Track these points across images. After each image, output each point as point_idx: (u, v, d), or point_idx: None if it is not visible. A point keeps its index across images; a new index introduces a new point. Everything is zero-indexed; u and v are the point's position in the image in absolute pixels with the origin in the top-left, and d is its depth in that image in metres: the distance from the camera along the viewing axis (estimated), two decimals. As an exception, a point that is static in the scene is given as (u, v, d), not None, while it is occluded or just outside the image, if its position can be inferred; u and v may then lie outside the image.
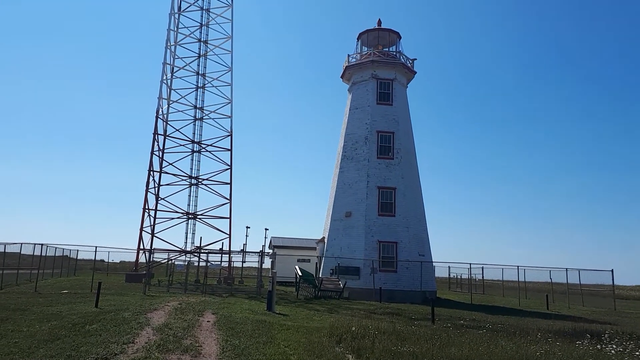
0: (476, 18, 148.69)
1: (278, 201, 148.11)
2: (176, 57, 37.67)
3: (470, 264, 33.39)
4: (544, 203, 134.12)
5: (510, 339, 11.53)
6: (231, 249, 35.55)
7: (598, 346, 10.96)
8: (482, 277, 39.30)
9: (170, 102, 36.93)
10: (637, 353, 10.20)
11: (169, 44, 37.26)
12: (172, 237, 75.99)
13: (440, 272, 39.98)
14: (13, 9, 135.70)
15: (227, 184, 38.38)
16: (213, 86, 39.51)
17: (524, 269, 32.32)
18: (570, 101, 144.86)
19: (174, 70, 37.42)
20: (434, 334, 12.00)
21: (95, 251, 27.76)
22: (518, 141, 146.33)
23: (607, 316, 23.01)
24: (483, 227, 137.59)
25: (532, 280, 35.20)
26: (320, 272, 29.28)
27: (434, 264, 30.31)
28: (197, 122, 38.81)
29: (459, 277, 44.99)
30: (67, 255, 37.88)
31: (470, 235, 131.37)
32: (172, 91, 37.11)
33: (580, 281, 30.97)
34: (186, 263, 34.92)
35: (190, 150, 38.32)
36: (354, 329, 11.92)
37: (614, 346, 10.92)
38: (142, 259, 34.96)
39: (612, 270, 29.47)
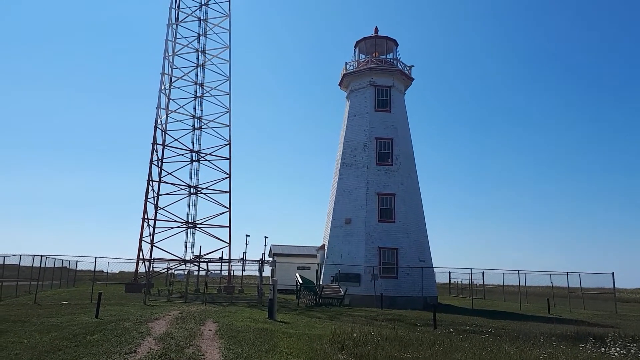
0: (473, 24, 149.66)
1: (277, 209, 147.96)
2: (174, 67, 37.84)
3: (470, 269, 33.42)
4: (544, 207, 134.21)
5: (513, 344, 11.50)
6: (231, 258, 35.46)
7: (602, 349, 10.93)
8: (483, 282, 39.28)
9: (169, 111, 37.01)
10: (641, 355, 10.18)
11: (167, 55, 37.42)
12: (172, 246, 75.78)
13: (441, 277, 39.87)
14: (14, 17, 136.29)
15: (226, 192, 38.39)
16: (211, 95, 39.65)
17: (524, 273, 32.33)
18: (570, 104, 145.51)
19: (173, 80, 37.57)
20: (436, 339, 11.96)
21: (95, 262, 27.67)
22: (517, 145, 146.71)
23: (608, 319, 22.96)
24: (483, 231, 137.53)
25: (532, 285, 35.13)
26: (321, 279, 29.20)
27: (434, 269, 30.25)
28: (195, 131, 38.90)
29: (459, 282, 44.96)
30: (66, 267, 37.69)
31: (471, 240, 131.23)
32: (170, 101, 37.21)
33: (581, 284, 30.94)
34: (186, 272, 34.82)
35: (189, 160, 38.36)
36: (356, 335, 11.88)
37: (618, 349, 10.90)
38: (142, 269, 34.87)
39: (612, 273, 29.49)
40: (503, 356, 9.57)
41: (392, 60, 32.51)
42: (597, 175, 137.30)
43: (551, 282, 32.28)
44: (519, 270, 31.80)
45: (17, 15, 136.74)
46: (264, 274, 26.16)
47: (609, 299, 30.29)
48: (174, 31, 38.16)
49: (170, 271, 35.60)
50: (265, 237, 40.02)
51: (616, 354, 10.37)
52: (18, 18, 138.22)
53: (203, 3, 39.88)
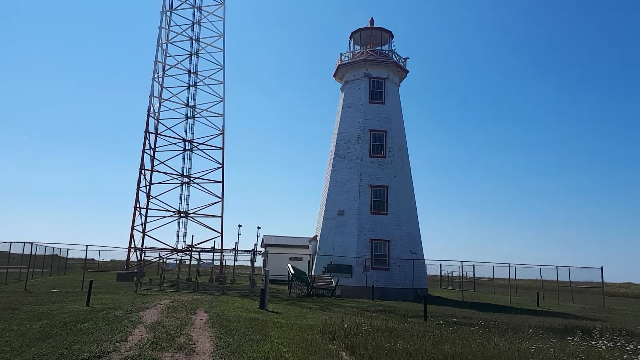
0: (468, 15, 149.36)
1: (270, 200, 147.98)
2: (168, 55, 37.48)
3: (461, 261, 33.59)
4: (535, 201, 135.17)
5: (503, 336, 11.61)
6: (223, 248, 35.45)
7: (590, 342, 11.07)
8: (473, 274, 39.56)
9: (162, 100, 36.72)
10: (627, 348, 10.32)
11: (160, 42, 37.03)
12: (164, 235, 75.73)
13: (432, 269, 40.15)
14: (3, 8, 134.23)
15: (219, 182, 38.27)
16: (205, 84, 39.35)
17: (514, 266, 32.61)
18: (562, 99, 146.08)
19: (166, 69, 37.21)
20: (426, 331, 12.05)
21: (86, 250, 27.61)
22: (509, 139, 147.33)
23: (596, 313, 23.25)
24: (475, 225, 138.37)
25: (522, 278, 35.47)
26: (313, 270, 29.29)
27: (425, 261, 30.43)
28: (188, 120, 38.65)
29: (450, 274, 45.25)
30: (57, 254, 37.56)
31: (462, 233, 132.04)
32: (163, 89, 36.91)
33: (570, 278, 31.31)
34: (178, 262, 34.80)
35: (182, 149, 38.15)
36: (346, 326, 11.93)
37: (605, 342, 11.05)
38: (134, 257, 34.76)
39: (601, 268, 29.85)
40: (492, 348, 9.65)
41: (387, 52, 32.41)
42: (588, 170, 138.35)
43: (541, 276, 32.58)
44: (509, 264, 32.10)
45: (16, 11, 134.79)
46: (256, 264, 26.17)
47: (597, 292, 30.69)
48: (168, 19, 37.78)
49: (162, 260, 35.52)
50: (258, 228, 40.16)
51: (603, 346, 10.50)
52: (16, 14, 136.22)
53: (198, -10, 39.46)
